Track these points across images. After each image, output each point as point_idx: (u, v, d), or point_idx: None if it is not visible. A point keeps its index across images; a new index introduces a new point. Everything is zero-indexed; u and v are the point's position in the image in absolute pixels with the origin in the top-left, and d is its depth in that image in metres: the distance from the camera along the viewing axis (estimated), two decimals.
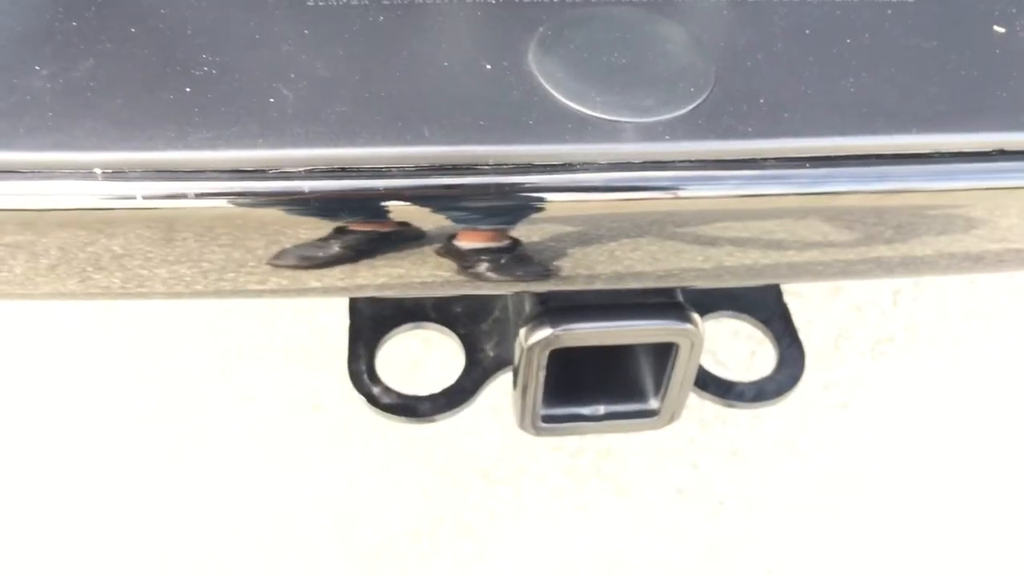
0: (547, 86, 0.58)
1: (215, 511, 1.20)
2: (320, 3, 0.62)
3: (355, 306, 0.79)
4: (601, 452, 1.26)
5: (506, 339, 0.79)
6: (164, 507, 1.20)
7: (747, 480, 1.25)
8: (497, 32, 0.61)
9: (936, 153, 0.57)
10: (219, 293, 0.63)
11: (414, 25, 0.61)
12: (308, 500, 1.21)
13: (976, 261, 0.63)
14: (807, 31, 0.62)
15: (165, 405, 1.27)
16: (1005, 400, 1.32)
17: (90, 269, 0.59)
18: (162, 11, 0.61)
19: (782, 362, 0.78)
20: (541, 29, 0.60)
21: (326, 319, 1.35)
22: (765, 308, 0.80)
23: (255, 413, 1.27)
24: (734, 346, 1.32)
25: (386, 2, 0.62)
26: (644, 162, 0.57)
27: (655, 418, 0.74)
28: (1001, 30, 0.63)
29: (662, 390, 0.72)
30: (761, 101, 0.58)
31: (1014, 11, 0.64)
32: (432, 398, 0.76)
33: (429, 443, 1.26)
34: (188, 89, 0.57)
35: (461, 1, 0.63)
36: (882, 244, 0.60)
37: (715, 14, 0.63)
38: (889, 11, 0.63)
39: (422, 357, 1.28)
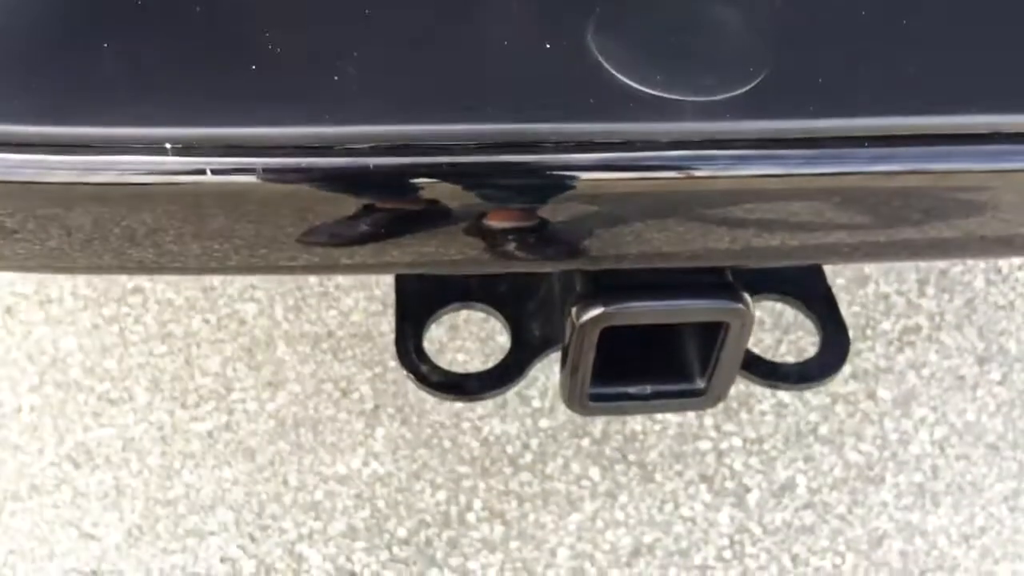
0: (607, 65, 0.58)
1: (244, 497, 1.21)
2: None
3: (402, 286, 0.79)
4: (627, 438, 1.27)
5: (551, 318, 0.79)
6: (192, 494, 1.21)
7: (772, 468, 1.26)
8: (556, 11, 0.61)
9: (998, 133, 0.57)
10: (269, 268, 0.64)
11: (473, 3, 0.62)
12: (336, 486, 1.22)
13: None
14: (863, 12, 0.62)
15: (192, 393, 1.28)
16: None
17: (127, 243, 0.60)
18: None
19: (826, 344, 0.79)
20: (600, 8, 0.61)
21: (351, 304, 1.36)
22: (808, 289, 0.81)
23: (283, 399, 1.28)
24: (758, 333, 1.33)
25: None
26: (704, 140, 0.57)
27: (702, 398, 0.75)
28: None
29: (709, 370, 0.72)
30: (820, 80, 0.59)
31: None
32: (479, 376, 0.77)
33: (456, 428, 1.27)
34: (253, 67, 0.57)
35: None
36: (939, 224, 0.61)
37: None
38: None
39: (442, 339, 1.29)
